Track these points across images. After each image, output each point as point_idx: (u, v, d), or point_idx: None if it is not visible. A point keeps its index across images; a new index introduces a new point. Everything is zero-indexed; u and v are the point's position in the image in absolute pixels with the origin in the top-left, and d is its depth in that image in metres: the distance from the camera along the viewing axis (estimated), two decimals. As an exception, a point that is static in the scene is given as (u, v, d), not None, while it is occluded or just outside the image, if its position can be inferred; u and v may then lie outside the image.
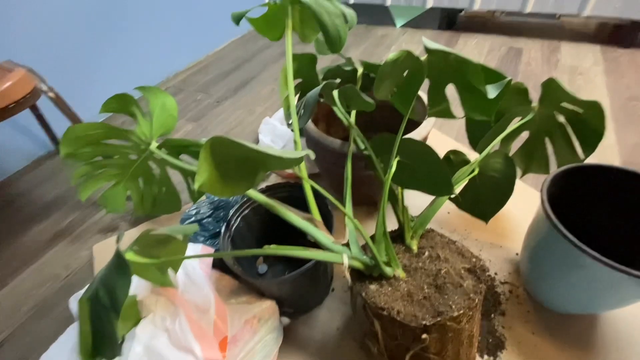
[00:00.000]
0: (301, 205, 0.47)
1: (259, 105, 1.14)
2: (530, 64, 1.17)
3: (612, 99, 0.96)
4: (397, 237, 0.47)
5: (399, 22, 1.61)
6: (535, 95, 0.49)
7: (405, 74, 0.42)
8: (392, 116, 0.63)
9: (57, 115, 0.88)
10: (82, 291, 0.47)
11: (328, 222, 0.50)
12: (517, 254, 0.61)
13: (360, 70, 0.60)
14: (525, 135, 0.58)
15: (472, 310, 0.37)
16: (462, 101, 0.43)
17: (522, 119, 0.53)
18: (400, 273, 0.41)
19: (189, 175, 0.67)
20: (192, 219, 0.61)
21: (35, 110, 0.94)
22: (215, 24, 1.54)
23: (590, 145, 0.48)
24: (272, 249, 0.36)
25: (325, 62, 1.29)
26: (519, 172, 0.64)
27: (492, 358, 0.49)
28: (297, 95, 0.64)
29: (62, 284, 0.68)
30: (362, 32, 1.59)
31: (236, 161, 0.35)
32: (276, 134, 0.89)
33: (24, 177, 0.97)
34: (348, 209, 0.46)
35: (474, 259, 0.41)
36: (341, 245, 0.43)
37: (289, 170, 0.80)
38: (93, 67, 1.12)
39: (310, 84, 0.59)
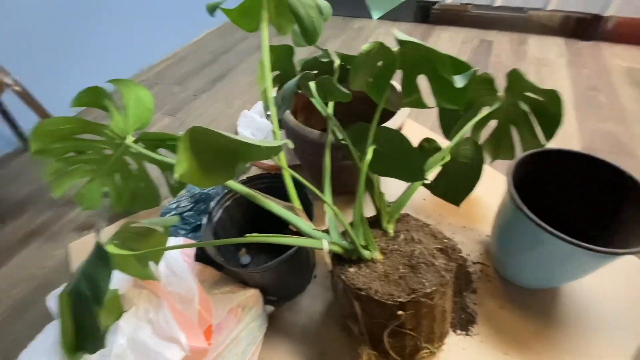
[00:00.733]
0: (282, 195, 0.48)
1: (238, 98, 1.13)
2: (500, 56, 1.22)
3: (573, 89, 1.02)
4: (375, 222, 0.49)
5: (376, 15, 1.62)
6: (504, 85, 0.52)
7: (379, 65, 0.44)
8: (370, 107, 0.65)
9: (24, 111, 0.84)
10: (60, 289, 0.46)
11: (308, 210, 0.52)
12: (487, 236, 0.64)
13: (337, 61, 0.61)
14: (493, 123, 0.61)
15: (444, 287, 0.40)
16: (433, 91, 0.45)
17: (489, 108, 0.56)
18: (377, 255, 0.43)
19: (167, 169, 0.67)
20: (172, 212, 0.61)
21: (-2, 105, 0.90)
22: (191, 15, 1.50)
23: (550, 131, 0.52)
24: (253, 237, 0.37)
25: (303, 53, 1.29)
26: (488, 158, 0.67)
27: (464, 332, 0.52)
28: (277, 87, 0.65)
29: (37, 283, 0.67)
30: (339, 24, 1.60)
31: (216, 151, 0.36)
32: (255, 127, 0.89)
33: (-11, 176, 0.93)
34: (327, 196, 0.48)
35: (445, 240, 0.44)
36: (321, 232, 0.45)
37: (270, 162, 0.81)
38: (63, 60, 1.08)
39: (288, 76, 0.59)
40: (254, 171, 0.84)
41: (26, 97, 0.81)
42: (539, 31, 1.38)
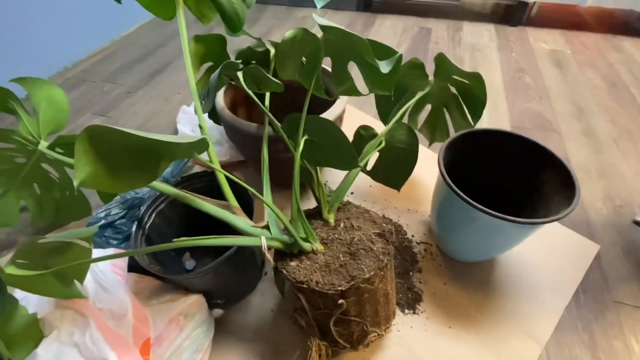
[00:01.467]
0: (223, 194, 0.45)
1: (177, 93, 1.06)
2: (438, 42, 1.27)
3: (503, 72, 1.09)
4: (316, 213, 0.49)
5: (319, 4, 1.61)
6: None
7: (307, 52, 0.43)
8: (313, 96, 0.64)
9: None
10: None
11: (249, 207, 0.50)
12: (429, 216, 0.67)
13: (272, 50, 0.59)
14: (430, 108, 0.63)
15: (383, 270, 0.40)
16: (364, 77, 0.45)
17: (422, 93, 0.57)
18: (318, 246, 0.43)
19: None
20: (102, 222, 0.55)
21: None
22: (119, 6, 1.38)
23: (477, 112, 0.55)
24: (182, 242, 0.35)
25: (245, 42, 1.25)
26: (426, 141, 0.70)
27: (411, 311, 0.54)
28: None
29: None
30: (283, 13, 1.56)
31: (128, 152, 0.32)
32: (195, 123, 0.84)
33: None
34: (266, 192, 0.46)
35: (383, 224, 0.45)
36: (261, 229, 0.43)
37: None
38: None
39: (222, 67, 0.57)
40: (198, 169, 0.79)
41: None
42: (472, 18, 1.45)
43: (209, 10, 0.47)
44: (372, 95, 0.63)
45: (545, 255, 0.60)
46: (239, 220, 0.42)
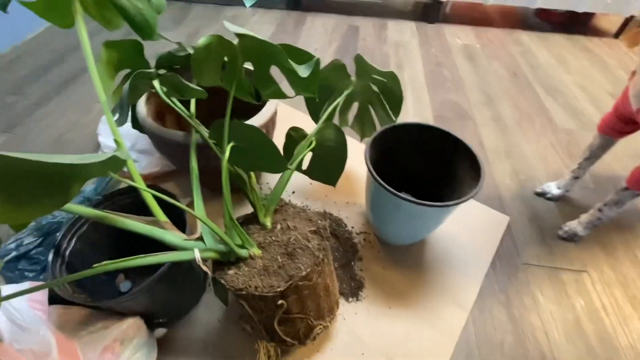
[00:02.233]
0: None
1: (96, 102, 0.98)
2: (366, 40, 1.33)
3: (425, 67, 1.19)
4: (254, 217, 0.49)
5: (248, 2, 1.58)
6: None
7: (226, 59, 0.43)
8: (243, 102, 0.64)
9: None
10: None
11: (182, 220, 0.49)
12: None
13: (194, 55, 0.57)
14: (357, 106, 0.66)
15: (320, 265, 0.42)
16: (288, 81, 0.46)
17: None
18: (255, 251, 0.43)
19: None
20: (13, 254, 0.50)
21: None
22: (21, 7, 1.21)
23: (396, 108, 0.59)
24: (103, 266, 0.33)
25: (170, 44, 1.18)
26: (358, 137, 0.73)
27: (355, 298, 0.57)
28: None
29: None
30: (211, 13, 1.51)
31: (32, 178, 0.30)
32: (122, 133, 0.78)
33: None
34: (197, 203, 0.45)
35: (318, 221, 0.47)
36: (195, 240, 0.43)
37: (143, 172, 0.73)
38: None
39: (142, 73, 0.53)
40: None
41: None
42: (395, 16, 1.54)
43: (113, 16, 0.44)
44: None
45: (465, 230, 0.68)
46: (170, 235, 0.41)
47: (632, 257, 0.66)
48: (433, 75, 1.14)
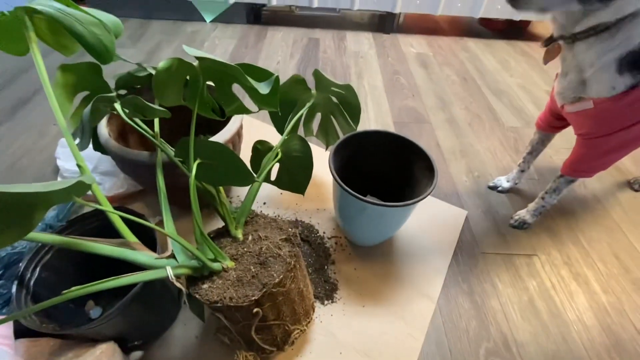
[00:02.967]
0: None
1: (52, 125, 0.94)
2: (327, 52, 1.38)
3: (383, 75, 1.25)
4: (225, 231, 0.50)
5: (208, 17, 1.59)
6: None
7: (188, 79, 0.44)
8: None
9: None
10: None
11: (153, 238, 0.49)
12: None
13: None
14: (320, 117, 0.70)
15: (292, 271, 0.44)
16: (250, 97, 0.48)
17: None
18: (228, 264, 0.44)
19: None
20: (-31, 290, 0.47)
21: None
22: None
23: (355, 117, 0.63)
24: (72, 292, 0.33)
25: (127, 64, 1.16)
26: (323, 146, 0.77)
27: (330, 301, 0.60)
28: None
29: None
30: (171, 28, 1.50)
31: (-9, 209, 0.30)
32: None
33: None
34: (167, 221, 0.46)
35: (289, 229, 0.49)
36: (167, 258, 0.43)
37: (108, 194, 0.71)
38: None
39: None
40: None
41: None
42: (353, 27, 1.61)
43: (70, 43, 0.44)
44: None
45: (428, 226, 0.73)
46: (140, 255, 0.42)
47: (574, 239, 0.74)
48: (391, 83, 1.21)
